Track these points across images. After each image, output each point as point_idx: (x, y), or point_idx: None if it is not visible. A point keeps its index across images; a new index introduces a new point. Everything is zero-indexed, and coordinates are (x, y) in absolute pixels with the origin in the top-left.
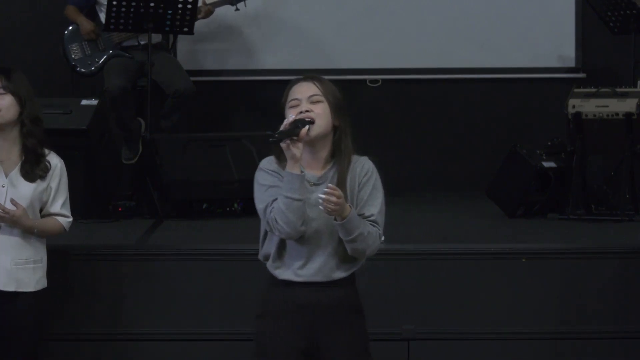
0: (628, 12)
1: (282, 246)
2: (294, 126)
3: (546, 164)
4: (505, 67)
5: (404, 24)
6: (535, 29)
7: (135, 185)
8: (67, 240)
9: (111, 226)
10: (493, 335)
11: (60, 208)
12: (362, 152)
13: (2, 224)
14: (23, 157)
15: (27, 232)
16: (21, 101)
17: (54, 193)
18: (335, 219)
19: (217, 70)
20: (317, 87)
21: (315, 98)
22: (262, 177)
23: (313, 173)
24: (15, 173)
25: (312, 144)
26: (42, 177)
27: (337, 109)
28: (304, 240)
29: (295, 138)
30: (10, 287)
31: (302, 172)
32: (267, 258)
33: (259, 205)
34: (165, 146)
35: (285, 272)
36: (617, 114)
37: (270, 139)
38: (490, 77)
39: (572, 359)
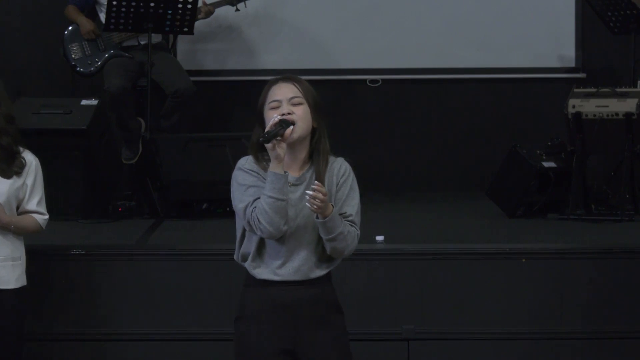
0: (628, 12)
1: (261, 245)
2: (278, 127)
3: (546, 164)
4: (505, 67)
5: (404, 24)
6: (535, 29)
7: (135, 185)
8: (67, 240)
9: (111, 226)
10: (493, 335)
11: (36, 205)
12: (343, 153)
13: None
14: None
15: (4, 228)
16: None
17: (29, 190)
18: (317, 217)
19: (217, 70)
20: (297, 88)
21: (295, 100)
22: (242, 177)
23: (291, 174)
24: None
25: (291, 145)
26: (18, 173)
27: (316, 111)
28: (284, 239)
29: (279, 138)
30: None
31: (285, 172)
32: (245, 258)
33: (239, 204)
34: (165, 146)
35: (264, 272)
36: (617, 114)
37: (261, 139)
38: (490, 77)
39: (572, 359)
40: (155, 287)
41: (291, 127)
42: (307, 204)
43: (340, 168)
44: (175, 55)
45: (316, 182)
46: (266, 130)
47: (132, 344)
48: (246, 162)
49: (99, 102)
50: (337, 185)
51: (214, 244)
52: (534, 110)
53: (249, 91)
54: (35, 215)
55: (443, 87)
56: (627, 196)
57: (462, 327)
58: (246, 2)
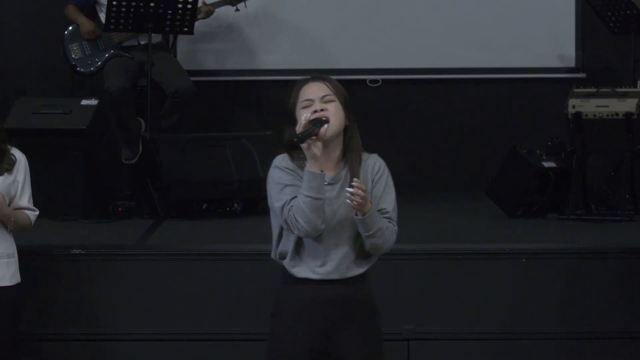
0: (628, 12)
1: (299, 244)
2: (312, 125)
3: (546, 164)
4: (505, 67)
5: (404, 24)
6: (535, 29)
7: (135, 185)
8: (67, 240)
9: (111, 226)
10: (493, 335)
11: (27, 202)
12: (370, 151)
13: None
14: None
15: (4, 221)
16: None
17: (20, 187)
18: (356, 214)
19: (217, 70)
20: (328, 87)
21: (328, 98)
22: (278, 176)
23: (326, 173)
24: None
25: (326, 143)
26: (9, 170)
27: (347, 108)
28: (322, 238)
29: (314, 137)
30: None
31: (321, 171)
32: (282, 256)
33: (275, 203)
34: (165, 146)
35: (303, 270)
36: (617, 114)
37: (295, 140)
38: (490, 77)
39: (572, 359)
40: (155, 287)
41: (325, 125)
42: (347, 200)
43: (374, 164)
44: (175, 55)
45: (355, 179)
46: (300, 130)
47: (131, 344)
48: (282, 160)
49: (99, 102)
50: (373, 182)
51: (214, 244)
52: (534, 110)
53: (249, 91)
54: (27, 212)
55: (443, 87)
56: (627, 196)
57: (462, 327)
58: (246, 2)
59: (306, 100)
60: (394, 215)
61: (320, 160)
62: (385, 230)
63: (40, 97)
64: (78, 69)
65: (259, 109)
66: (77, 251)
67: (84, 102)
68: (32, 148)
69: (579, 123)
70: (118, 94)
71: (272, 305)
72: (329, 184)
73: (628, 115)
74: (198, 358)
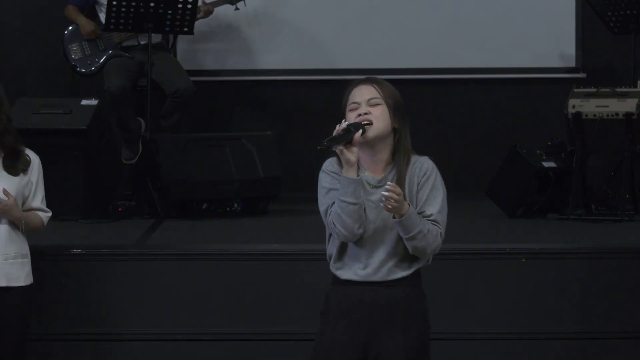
0: (628, 12)
1: (343, 247)
2: (346, 131)
3: (546, 164)
4: (505, 67)
5: (404, 24)
6: (535, 29)
7: (135, 185)
8: (67, 240)
9: (111, 226)
10: (493, 335)
11: (40, 203)
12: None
13: None
14: (2, 154)
15: (16, 223)
16: (1, 101)
17: (34, 188)
18: (394, 217)
19: (217, 70)
20: (376, 89)
21: (374, 101)
22: (323, 179)
23: (373, 175)
24: None
25: (371, 145)
26: (24, 171)
27: (396, 111)
28: (364, 241)
29: (349, 143)
30: (2, 282)
31: (358, 175)
32: (330, 258)
33: (321, 207)
34: (165, 146)
35: (346, 273)
36: (617, 114)
37: (319, 147)
38: (490, 77)
39: (572, 358)
40: (155, 287)
41: (361, 130)
42: (381, 204)
43: (422, 167)
44: (175, 55)
45: (389, 182)
46: (331, 137)
47: (131, 344)
48: (330, 163)
49: (99, 102)
50: (419, 185)
51: (214, 244)
52: (534, 110)
53: (249, 91)
54: (40, 213)
55: (443, 87)
56: (627, 196)
57: (462, 327)
58: (246, 1)
59: (353, 103)
60: (439, 218)
61: (367, 163)
62: (427, 233)
63: (40, 97)
64: (78, 69)
65: (259, 109)
66: (77, 251)
67: (84, 102)
68: (32, 148)
69: (579, 123)
70: (118, 94)
71: (321, 304)
72: (375, 187)
73: (628, 115)
74: (198, 358)
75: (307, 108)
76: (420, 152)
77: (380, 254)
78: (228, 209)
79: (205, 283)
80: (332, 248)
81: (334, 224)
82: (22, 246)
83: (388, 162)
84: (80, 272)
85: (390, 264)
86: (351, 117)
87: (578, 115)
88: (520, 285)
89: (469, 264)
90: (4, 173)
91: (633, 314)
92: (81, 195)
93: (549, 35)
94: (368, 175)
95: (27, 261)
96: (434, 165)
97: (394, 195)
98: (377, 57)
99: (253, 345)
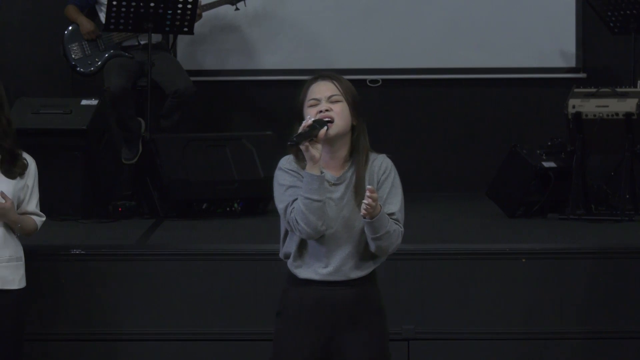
0: (628, 12)
1: (302, 245)
2: (312, 128)
3: (546, 164)
4: (506, 67)
5: (404, 24)
6: (535, 29)
7: (135, 185)
8: (67, 240)
9: (111, 226)
10: (493, 335)
11: (35, 207)
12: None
13: None
14: (0, 157)
15: (12, 225)
16: (1, 103)
17: (30, 192)
18: (364, 217)
19: (217, 70)
20: (336, 86)
21: (334, 98)
22: (282, 177)
23: (332, 173)
24: None
25: (331, 143)
26: (21, 174)
27: (355, 109)
28: (324, 239)
29: (314, 139)
30: None
31: (321, 172)
32: (287, 257)
33: (279, 205)
34: (165, 146)
35: (306, 271)
36: (617, 114)
37: (289, 143)
38: (491, 77)
39: (571, 359)
40: (155, 287)
41: (326, 127)
42: (363, 210)
43: (381, 165)
44: (175, 55)
45: (369, 186)
46: (298, 132)
47: (131, 344)
48: (287, 161)
49: (99, 102)
50: (378, 182)
51: (214, 244)
52: (534, 110)
53: (249, 91)
54: (34, 217)
55: (443, 87)
56: (627, 196)
57: (462, 327)
58: (246, 1)
59: (313, 99)
60: (400, 216)
61: (325, 160)
62: (392, 233)
63: (40, 97)
64: (78, 69)
65: (259, 109)
66: (77, 251)
67: (84, 102)
68: (31, 148)
69: (579, 123)
70: (118, 94)
71: (277, 305)
72: (334, 184)
73: (628, 115)
74: (197, 358)
75: None
76: (421, 152)
77: (341, 253)
78: (228, 209)
79: (205, 283)
80: (290, 246)
81: (297, 222)
82: (17, 249)
83: (346, 160)
84: (80, 272)
85: (351, 262)
86: (311, 114)
87: (578, 115)
88: (520, 285)
89: (469, 264)
90: (2, 176)
91: (633, 314)
92: (81, 195)
93: (550, 35)
94: (326, 173)
95: (22, 264)
96: (392, 164)
97: (372, 202)
98: (377, 57)
99: (253, 345)
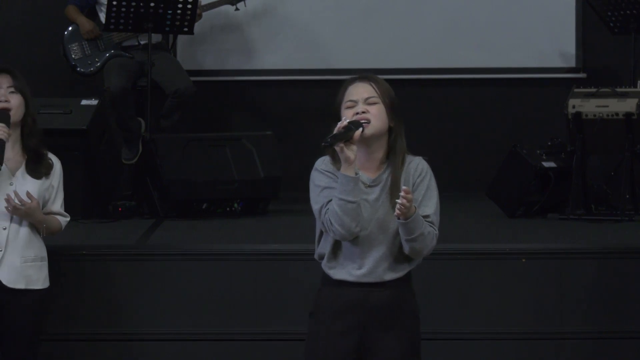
0: (628, 12)
1: (336, 247)
2: (347, 129)
3: (546, 164)
4: (506, 67)
5: (404, 24)
6: (535, 29)
7: (135, 185)
8: (67, 240)
9: (111, 226)
10: (493, 335)
11: (59, 207)
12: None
13: (10, 224)
14: (26, 156)
15: (37, 226)
16: (27, 101)
17: (55, 192)
18: (399, 218)
19: (217, 70)
20: (373, 88)
21: (371, 100)
22: (317, 178)
23: (368, 175)
24: (22, 171)
25: (367, 144)
26: (47, 174)
27: (392, 110)
28: (359, 241)
29: (349, 140)
30: (21, 285)
31: (356, 174)
32: (322, 257)
33: (314, 206)
34: (165, 146)
35: (340, 272)
36: (617, 114)
37: (323, 144)
38: (491, 77)
39: (572, 359)
40: (155, 287)
41: (361, 129)
42: (397, 210)
43: (417, 168)
44: (175, 55)
45: (404, 187)
46: (333, 133)
47: (130, 344)
48: (322, 162)
49: (99, 102)
50: (414, 185)
51: (214, 244)
52: (534, 110)
53: (249, 91)
54: (59, 217)
55: (443, 87)
56: (627, 196)
57: (462, 327)
58: (246, 1)
59: (350, 101)
60: (435, 219)
61: (362, 162)
62: (427, 235)
63: (40, 97)
64: (78, 69)
65: (259, 109)
66: (77, 251)
67: (84, 102)
68: None
69: (579, 123)
70: (118, 94)
71: (311, 305)
72: (369, 186)
73: (628, 115)
74: (197, 358)
75: (307, 108)
76: (421, 153)
77: (375, 254)
78: (228, 209)
79: (205, 283)
80: (324, 247)
81: (331, 223)
82: (41, 249)
83: (382, 162)
84: (79, 272)
85: (385, 264)
86: (348, 115)
87: (578, 115)
88: (520, 285)
89: (469, 264)
90: (27, 176)
91: (634, 314)
92: (81, 195)
93: (550, 35)
94: (362, 174)
95: (45, 264)
96: (428, 166)
97: (406, 203)
98: (377, 57)
99: (253, 345)
